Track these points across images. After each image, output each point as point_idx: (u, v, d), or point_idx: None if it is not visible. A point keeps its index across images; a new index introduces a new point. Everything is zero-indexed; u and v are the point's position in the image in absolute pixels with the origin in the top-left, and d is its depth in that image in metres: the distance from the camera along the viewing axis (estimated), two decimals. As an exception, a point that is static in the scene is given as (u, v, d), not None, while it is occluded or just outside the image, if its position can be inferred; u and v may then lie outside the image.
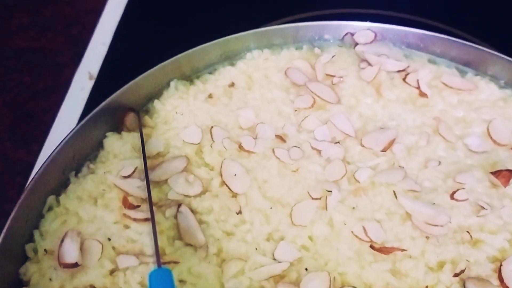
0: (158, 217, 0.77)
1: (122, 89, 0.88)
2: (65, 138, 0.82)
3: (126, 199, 0.79)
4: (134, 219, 0.77)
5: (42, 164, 0.79)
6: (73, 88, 1.13)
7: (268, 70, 0.97)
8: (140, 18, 1.29)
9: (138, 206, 0.78)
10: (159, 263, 0.68)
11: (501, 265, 0.72)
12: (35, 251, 0.76)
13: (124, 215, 0.77)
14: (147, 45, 1.18)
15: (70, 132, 0.83)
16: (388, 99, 0.92)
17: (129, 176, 0.82)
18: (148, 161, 0.83)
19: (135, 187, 0.80)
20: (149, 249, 0.74)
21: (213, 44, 0.97)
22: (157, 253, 0.70)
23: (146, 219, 0.76)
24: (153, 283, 0.63)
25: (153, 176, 0.81)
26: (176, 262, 0.72)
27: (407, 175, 0.82)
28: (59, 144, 0.81)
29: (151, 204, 0.76)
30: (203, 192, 0.80)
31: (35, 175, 0.78)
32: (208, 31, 1.00)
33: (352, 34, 0.99)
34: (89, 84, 1.14)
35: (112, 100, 0.87)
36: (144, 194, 0.79)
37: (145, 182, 0.79)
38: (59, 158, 0.81)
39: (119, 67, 1.15)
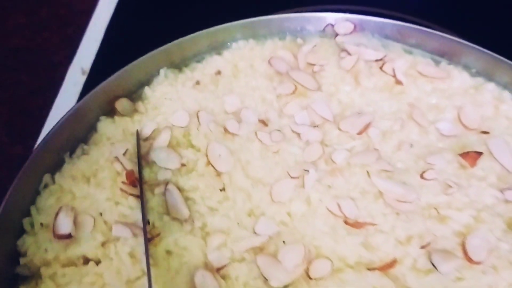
0: (148, 195, 0.82)
1: (114, 75, 0.93)
2: (60, 120, 0.87)
3: (132, 173, 0.83)
4: (131, 194, 0.81)
5: (38, 144, 0.84)
6: (66, 84, 1.17)
7: (253, 59, 1.02)
8: (131, 13, 1.32)
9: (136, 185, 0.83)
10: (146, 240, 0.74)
11: (465, 239, 0.77)
12: (32, 225, 0.80)
13: (121, 189, 0.82)
14: (138, 39, 1.20)
15: (65, 115, 0.88)
16: (365, 87, 0.97)
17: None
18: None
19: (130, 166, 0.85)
20: (140, 223, 0.78)
21: (201, 34, 1.01)
22: (145, 230, 0.76)
23: (138, 196, 0.81)
24: None
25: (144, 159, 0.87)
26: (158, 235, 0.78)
27: (381, 156, 0.86)
28: (54, 126, 0.86)
29: (141, 184, 0.81)
30: (190, 171, 0.85)
31: (31, 154, 0.83)
32: (197, 28, 1.03)
33: (333, 25, 1.04)
34: (82, 79, 1.17)
35: (105, 86, 0.92)
36: (136, 174, 0.84)
37: (135, 163, 0.85)
38: (54, 140, 0.86)
39: (111, 62, 1.16)
